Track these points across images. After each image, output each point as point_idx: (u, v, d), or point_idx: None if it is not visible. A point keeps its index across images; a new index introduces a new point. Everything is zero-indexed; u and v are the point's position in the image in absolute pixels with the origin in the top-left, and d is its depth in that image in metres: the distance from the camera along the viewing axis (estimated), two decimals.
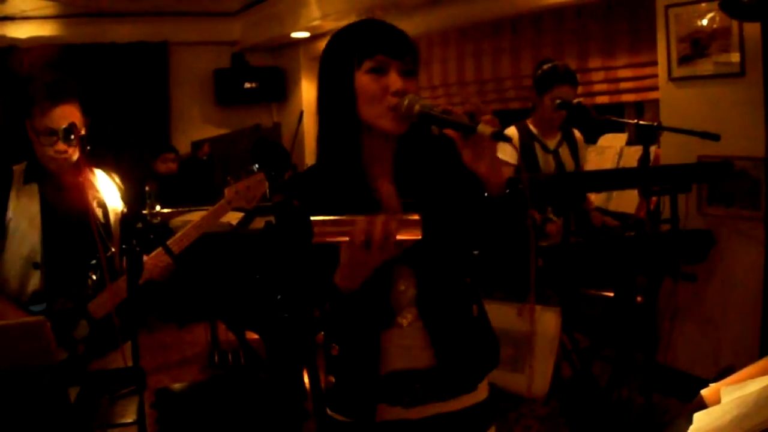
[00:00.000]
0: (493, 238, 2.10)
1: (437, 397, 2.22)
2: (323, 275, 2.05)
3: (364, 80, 2.11)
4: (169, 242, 3.41)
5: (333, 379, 2.28)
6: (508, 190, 2.02)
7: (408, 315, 2.19)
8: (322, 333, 2.30)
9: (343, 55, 2.15)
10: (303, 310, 2.23)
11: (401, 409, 2.21)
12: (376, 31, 2.15)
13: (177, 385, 5.59)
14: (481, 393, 2.32)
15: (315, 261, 2.09)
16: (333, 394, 2.30)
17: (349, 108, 2.14)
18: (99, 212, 3.42)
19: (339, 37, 2.20)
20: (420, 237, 1.89)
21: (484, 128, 1.88)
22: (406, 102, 2.04)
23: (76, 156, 3.33)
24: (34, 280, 3.29)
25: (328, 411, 2.34)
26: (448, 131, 1.97)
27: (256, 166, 3.66)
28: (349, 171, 2.17)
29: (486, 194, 2.03)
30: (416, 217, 1.90)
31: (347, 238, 1.88)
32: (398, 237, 1.89)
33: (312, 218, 1.87)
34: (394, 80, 2.08)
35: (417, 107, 2.02)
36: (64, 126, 3.26)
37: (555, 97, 4.53)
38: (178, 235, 3.49)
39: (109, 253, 3.38)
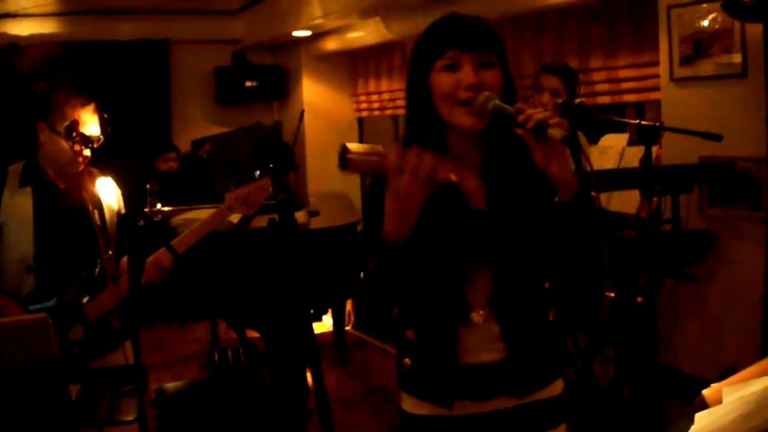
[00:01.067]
0: (564, 241, 2.12)
1: (507, 392, 2.24)
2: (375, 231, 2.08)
3: (438, 78, 2.14)
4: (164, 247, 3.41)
5: (409, 362, 2.31)
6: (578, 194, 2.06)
7: (482, 312, 2.21)
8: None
9: (419, 56, 2.20)
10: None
11: (471, 403, 2.25)
12: (447, 26, 2.17)
13: (177, 384, 5.60)
14: (555, 389, 2.34)
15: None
16: (410, 377, 2.33)
17: (428, 108, 2.17)
18: (95, 213, 3.41)
19: (420, 38, 2.23)
20: (455, 179, 2.00)
21: (554, 131, 1.92)
22: (480, 99, 2.07)
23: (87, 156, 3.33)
24: (28, 283, 3.29)
25: (402, 394, 2.37)
26: (520, 131, 1.99)
27: (258, 172, 3.66)
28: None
29: (557, 198, 2.06)
30: (450, 163, 1.99)
31: (378, 159, 1.95)
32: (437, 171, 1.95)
33: (347, 144, 1.93)
34: (466, 74, 2.10)
35: (491, 104, 2.05)
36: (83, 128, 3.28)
37: (538, 85, 4.61)
38: (176, 239, 3.49)
39: (107, 256, 3.37)
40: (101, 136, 3.36)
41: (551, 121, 1.94)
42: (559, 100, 4.54)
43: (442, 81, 2.13)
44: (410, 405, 2.34)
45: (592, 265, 2.14)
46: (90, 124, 3.33)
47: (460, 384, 2.24)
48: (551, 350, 2.32)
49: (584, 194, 2.07)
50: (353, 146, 1.94)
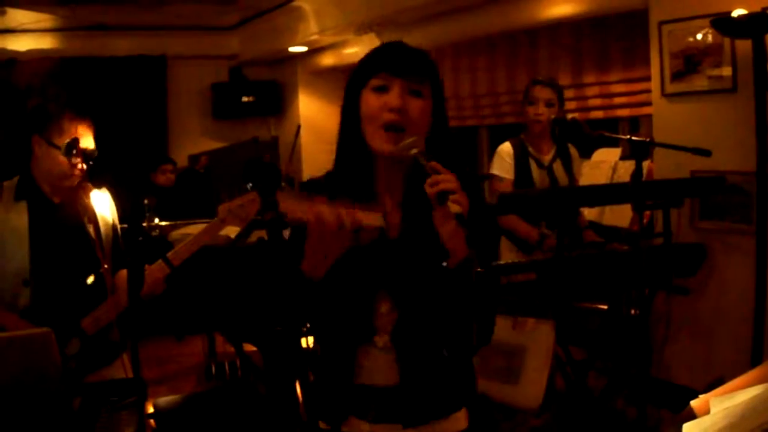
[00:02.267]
0: (446, 297, 2.12)
1: (401, 419, 2.24)
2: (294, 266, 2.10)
3: (366, 98, 2.16)
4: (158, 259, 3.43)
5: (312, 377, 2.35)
6: (461, 266, 2.04)
7: (385, 336, 2.22)
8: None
9: (356, 75, 2.21)
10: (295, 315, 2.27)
11: (367, 424, 2.25)
12: (385, 51, 2.19)
13: (174, 397, 5.61)
14: (455, 423, 2.32)
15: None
16: (311, 397, 2.39)
17: (355, 126, 2.19)
18: (90, 228, 3.44)
19: (360, 61, 2.24)
20: (381, 225, 1.98)
21: (453, 206, 1.95)
22: (409, 140, 2.07)
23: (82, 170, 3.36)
24: (24, 297, 3.30)
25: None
26: (428, 189, 1.98)
27: (250, 184, 3.68)
28: (359, 191, 2.18)
29: (444, 261, 2.06)
30: (379, 211, 1.99)
31: (310, 216, 1.94)
32: (361, 220, 1.96)
33: (279, 192, 1.95)
34: (393, 97, 2.11)
35: (413, 152, 2.05)
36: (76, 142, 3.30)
37: (531, 98, 4.66)
38: (171, 252, 3.51)
39: (102, 270, 3.40)
40: (95, 151, 3.38)
41: (453, 197, 1.94)
42: (553, 116, 4.60)
43: (369, 101, 2.14)
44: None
45: (463, 321, 2.20)
46: (86, 138, 3.36)
47: (354, 403, 2.25)
48: (447, 383, 2.29)
49: (466, 267, 2.05)
50: (284, 194, 1.97)
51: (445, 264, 2.05)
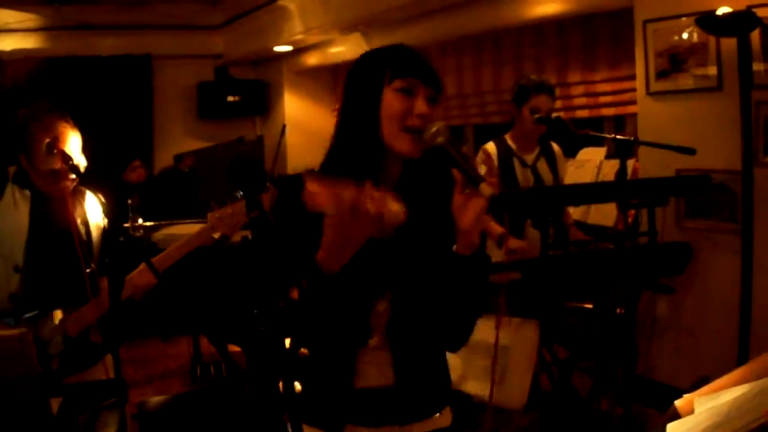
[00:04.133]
0: (450, 287, 2.14)
1: (397, 419, 2.26)
2: (304, 256, 2.05)
3: (391, 97, 2.15)
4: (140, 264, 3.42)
5: (300, 386, 2.33)
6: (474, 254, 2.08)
7: (377, 338, 2.22)
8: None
9: (375, 71, 2.19)
10: (276, 295, 2.20)
11: (366, 429, 2.25)
12: (412, 54, 2.20)
13: (160, 398, 5.59)
14: (443, 420, 2.36)
15: (298, 245, 2.10)
16: (303, 403, 2.33)
17: (373, 123, 2.17)
18: (82, 229, 3.44)
19: (371, 55, 2.25)
20: (403, 218, 1.95)
21: (485, 188, 1.96)
22: (434, 129, 2.09)
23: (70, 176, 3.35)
24: (13, 283, 3.30)
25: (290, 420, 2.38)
26: (456, 173, 2.03)
27: (240, 193, 3.67)
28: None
29: (455, 247, 2.08)
30: (401, 203, 1.96)
31: (332, 206, 1.90)
32: (391, 205, 1.93)
33: (306, 178, 1.91)
34: (421, 104, 2.13)
35: (440, 138, 2.07)
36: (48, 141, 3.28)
37: (532, 107, 4.61)
38: (161, 255, 3.50)
39: (89, 270, 3.39)
40: (80, 160, 3.37)
41: (488, 179, 1.97)
42: (537, 116, 4.57)
43: (394, 102, 2.14)
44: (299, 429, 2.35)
45: (464, 312, 2.21)
46: (69, 140, 3.35)
47: (353, 408, 2.25)
48: (438, 381, 2.35)
49: (480, 255, 2.10)
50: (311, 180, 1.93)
51: (456, 250, 2.08)
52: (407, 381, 2.24)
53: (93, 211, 3.51)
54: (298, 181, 2.10)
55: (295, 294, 2.13)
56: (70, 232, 3.37)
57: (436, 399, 2.35)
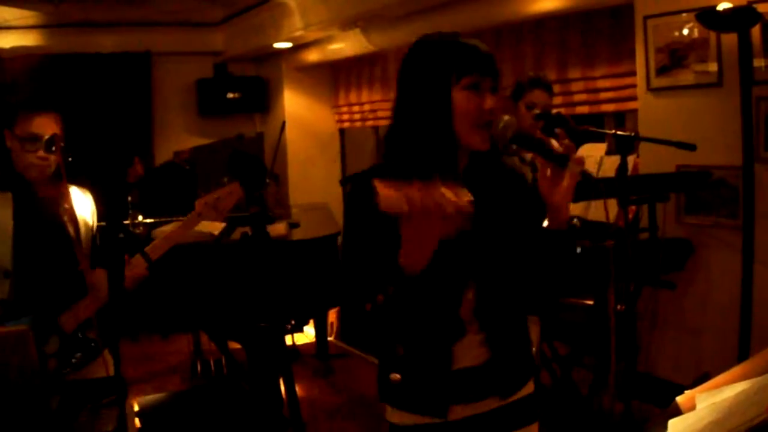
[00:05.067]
0: (542, 266, 2.27)
1: (494, 392, 2.35)
2: (386, 261, 2.08)
3: (461, 96, 2.19)
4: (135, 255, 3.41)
5: (398, 377, 2.34)
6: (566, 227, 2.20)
7: (470, 320, 2.30)
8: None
9: (440, 70, 2.21)
10: (360, 301, 2.20)
11: (463, 407, 2.33)
12: (473, 48, 2.24)
13: (160, 395, 5.59)
14: (530, 387, 2.46)
15: (377, 247, 2.14)
16: (400, 391, 2.36)
17: (447, 122, 2.20)
18: (70, 227, 3.42)
19: (430, 52, 2.27)
20: (472, 209, 1.95)
21: (575, 165, 2.08)
22: (502, 124, 2.17)
23: (54, 166, 3.34)
24: (3, 290, 3.28)
25: (389, 408, 2.41)
26: (539, 158, 2.12)
27: (227, 178, 3.66)
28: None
29: (546, 223, 2.19)
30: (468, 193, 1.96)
31: (406, 207, 1.88)
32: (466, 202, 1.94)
33: (376, 182, 1.90)
34: (489, 99, 2.20)
35: (510, 132, 2.16)
36: (47, 135, 3.27)
37: (528, 102, 4.60)
38: (149, 246, 3.49)
39: (79, 268, 3.37)
40: (54, 148, 3.34)
41: (574, 156, 2.08)
42: (536, 111, 4.56)
43: (465, 100, 2.19)
44: (399, 417, 2.37)
45: (556, 284, 2.37)
46: (43, 130, 3.33)
47: (452, 389, 2.31)
48: (526, 351, 2.45)
49: (572, 228, 2.21)
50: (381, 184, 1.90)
51: (549, 226, 2.19)
52: (502, 356, 2.33)
53: (80, 207, 3.49)
54: (366, 179, 2.15)
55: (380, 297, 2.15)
56: (58, 230, 3.36)
57: (527, 368, 2.45)
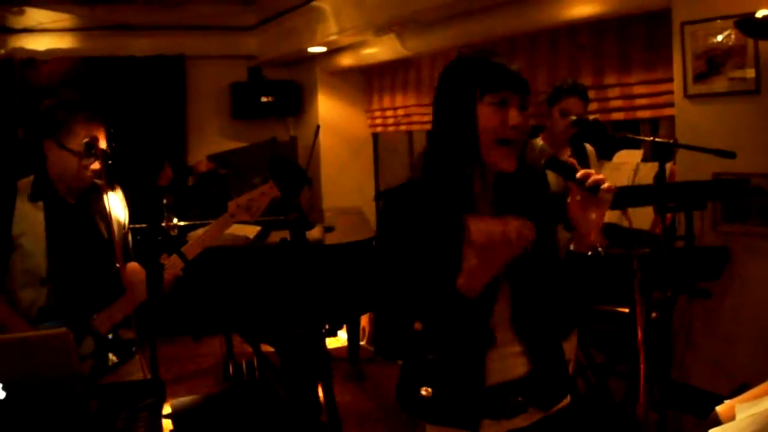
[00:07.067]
0: (566, 285, 2.32)
1: (534, 405, 2.35)
2: (435, 285, 2.14)
3: (485, 112, 2.23)
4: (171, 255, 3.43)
5: (430, 391, 2.35)
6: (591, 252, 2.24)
7: (505, 331, 2.32)
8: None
9: (465, 87, 2.26)
10: (405, 322, 2.24)
11: (505, 421, 2.33)
12: (499, 66, 2.26)
13: (192, 397, 5.61)
14: (567, 398, 2.48)
15: (421, 271, 2.21)
16: (431, 405, 2.36)
17: (472, 140, 2.24)
18: (103, 228, 3.45)
19: (459, 69, 2.31)
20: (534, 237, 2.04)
21: (606, 195, 2.13)
22: (537, 150, 2.24)
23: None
24: (41, 297, 3.30)
25: (426, 426, 2.40)
26: (571, 184, 2.17)
27: (259, 178, 3.69)
28: (460, 199, 2.29)
29: (572, 247, 2.24)
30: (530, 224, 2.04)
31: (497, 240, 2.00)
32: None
33: (467, 217, 2.03)
34: (514, 115, 2.22)
35: (543, 160, 2.24)
36: (102, 147, 3.31)
37: (563, 108, 4.63)
38: (184, 246, 3.51)
39: (114, 269, 3.40)
40: (109, 151, 3.38)
41: (604, 186, 2.11)
42: (573, 118, 4.56)
43: (489, 117, 2.22)
44: (432, 430, 2.38)
45: (578, 304, 2.44)
46: (101, 138, 3.37)
47: (487, 405, 2.30)
48: (563, 363, 2.47)
49: (596, 254, 2.24)
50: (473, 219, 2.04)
51: (576, 249, 2.25)
52: (543, 367, 2.35)
53: (113, 205, 3.51)
54: (403, 195, 2.31)
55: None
56: (91, 232, 3.39)
57: (565, 380, 2.48)
